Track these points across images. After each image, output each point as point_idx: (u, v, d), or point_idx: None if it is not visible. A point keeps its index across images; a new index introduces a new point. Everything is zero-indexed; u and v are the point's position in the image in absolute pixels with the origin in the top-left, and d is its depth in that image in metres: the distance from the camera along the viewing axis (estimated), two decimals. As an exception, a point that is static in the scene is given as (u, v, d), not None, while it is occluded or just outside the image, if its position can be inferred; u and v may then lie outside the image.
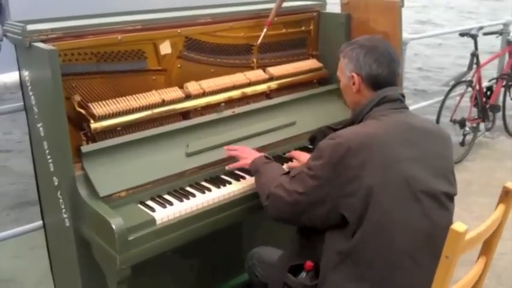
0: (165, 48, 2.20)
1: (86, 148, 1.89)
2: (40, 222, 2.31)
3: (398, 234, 1.56)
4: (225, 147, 2.16)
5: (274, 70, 2.55)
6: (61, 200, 1.95)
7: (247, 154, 2.08)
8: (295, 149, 2.38)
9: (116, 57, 2.07)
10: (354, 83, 1.78)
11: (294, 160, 2.24)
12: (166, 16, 2.20)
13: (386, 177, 1.56)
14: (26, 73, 1.94)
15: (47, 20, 2.03)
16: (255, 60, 2.57)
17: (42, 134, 1.95)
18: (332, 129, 1.88)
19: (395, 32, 2.43)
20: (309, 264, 1.74)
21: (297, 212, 1.67)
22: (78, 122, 1.97)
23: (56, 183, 1.94)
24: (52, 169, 1.95)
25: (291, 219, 1.73)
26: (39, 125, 1.95)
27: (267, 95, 2.55)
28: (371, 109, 1.74)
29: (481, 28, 4.52)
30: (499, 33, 4.86)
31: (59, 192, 1.95)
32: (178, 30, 2.21)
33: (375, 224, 1.55)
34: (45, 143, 1.95)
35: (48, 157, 1.95)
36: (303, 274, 1.75)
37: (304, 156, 2.18)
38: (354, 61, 1.77)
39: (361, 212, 1.55)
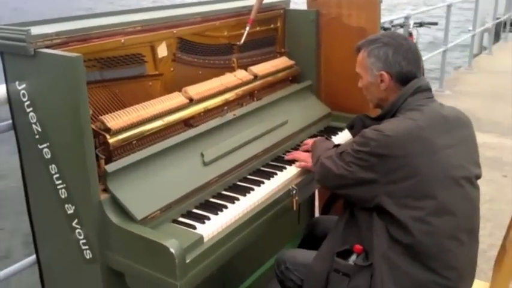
0: (162, 50, 2.01)
1: (110, 167, 1.65)
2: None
3: (447, 220, 1.67)
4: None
5: (257, 69, 2.47)
6: (78, 230, 1.68)
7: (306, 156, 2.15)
8: (291, 149, 2.35)
9: (118, 63, 1.84)
10: (382, 81, 1.80)
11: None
12: (163, 16, 2.01)
13: (432, 166, 1.65)
14: (21, 86, 1.63)
15: (34, 22, 1.74)
16: (235, 60, 2.46)
17: (47, 157, 1.66)
18: (369, 117, 1.89)
19: (374, 28, 2.48)
20: (358, 247, 1.76)
21: (340, 184, 1.77)
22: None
23: (71, 211, 1.68)
24: (64, 196, 1.67)
25: (333, 187, 1.87)
26: (42, 147, 1.66)
27: (251, 94, 2.45)
28: (405, 100, 1.76)
29: (391, 22, 4.83)
30: (401, 25, 5.24)
31: (75, 222, 1.68)
32: (174, 31, 2.04)
33: (424, 211, 1.63)
34: (53, 166, 1.66)
35: (58, 182, 1.67)
36: (353, 257, 1.77)
37: (305, 156, 2.16)
38: (383, 60, 1.79)
39: (406, 198, 1.63)
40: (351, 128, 2.00)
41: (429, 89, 1.81)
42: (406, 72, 1.78)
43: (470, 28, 8.23)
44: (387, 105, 1.82)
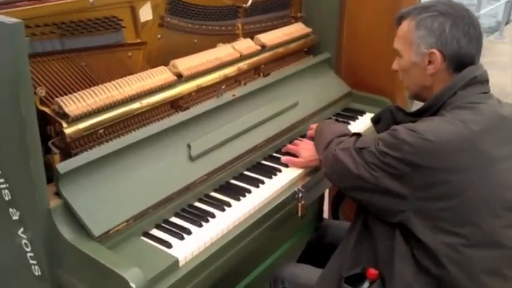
0: (146, 13, 1.61)
1: (63, 166, 1.29)
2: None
3: (489, 252, 1.30)
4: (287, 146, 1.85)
5: (265, 38, 2.06)
6: (25, 241, 1.34)
7: (310, 151, 1.74)
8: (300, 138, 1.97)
9: (85, 29, 1.46)
10: (430, 62, 1.37)
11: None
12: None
13: (483, 185, 1.27)
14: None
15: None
16: (240, 25, 2.05)
17: (-14, 148, 1.30)
18: (402, 111, 1.47)
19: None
20: (372, 272, 1.40)
21: (357, 186, 1.39)
22: (40, 127, 1.36)
23: (16, 218, 1.33)
24: (8, 198, 1.32)
25: (346, 189, 1.48)
26: (-20, 135, 1.30)
27: (257, 69, 2.05)
28: (455, 93, 1.35)
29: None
30: None
31: (20, 230, 1.34)
32: (162, -12, 1.63)
33: (462, 239, 1.27)
34: (-7, 160, 1.31)
35: (1, 181, 1.32)
36: (366, 284, 1.41)
37: (307, 151, 1.77)
38: (437, 33, 1.34)
39: (441, 220, 1.27)
40: (376, 122, 1.58)
41: (486, 81, 1.38)
42: (464, 53, 1.35)
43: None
44: (431, 97, 1.40)
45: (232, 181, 1.67)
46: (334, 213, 2.29)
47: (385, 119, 1.52)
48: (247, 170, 1.73)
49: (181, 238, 1.38)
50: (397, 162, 1.28)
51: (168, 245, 1.34)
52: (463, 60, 1.35)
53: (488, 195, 1.26)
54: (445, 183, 1.25)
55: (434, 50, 1.35)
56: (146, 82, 1.55)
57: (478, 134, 1.26)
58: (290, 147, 1.83)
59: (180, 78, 1.67)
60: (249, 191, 1.60)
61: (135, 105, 1.51)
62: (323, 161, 1.54)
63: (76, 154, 1.38)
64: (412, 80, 1.45)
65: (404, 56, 1.43)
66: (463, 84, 1.34)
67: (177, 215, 1.48)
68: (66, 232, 1.27)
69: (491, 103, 1.35)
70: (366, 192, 1.36)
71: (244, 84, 1.92)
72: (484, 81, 1.37)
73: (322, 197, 2.59)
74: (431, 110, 1.38)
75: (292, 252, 2.18)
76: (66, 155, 1.38)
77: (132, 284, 1.14)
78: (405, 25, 1.41)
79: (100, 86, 1.45)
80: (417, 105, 1.49)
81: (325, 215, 2.69)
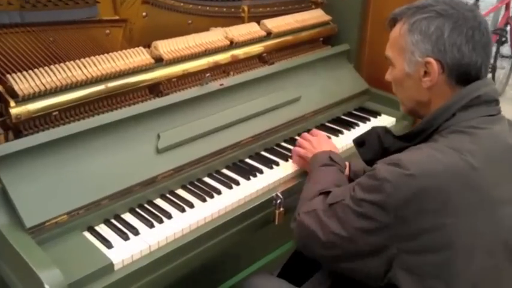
0: (126, -12, 1.49)
1: (3, 148, 1.20)
2: None
3: None
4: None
5: (272, 24, 1.89)
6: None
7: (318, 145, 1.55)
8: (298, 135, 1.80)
9: (50, 1, 1.35)
10: (426, 73, 1.16)
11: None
12: None
13: (478, 230, 1.05)
14: None
15: None
16: (246, 8, 1.89)
17: None
18: (391, 133, 1.27)
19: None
20: None
21: (332, 255, 1.17)
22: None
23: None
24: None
25: (320, 259, 1.25)
26: None
27: (261, 57, 1.89)
28: (453, 114, 1.13)
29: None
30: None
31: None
32: (147, -39, 1.50)
33: None
34: None
35: None
36: None
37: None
38: (433, 39, 1.13)
39: (434, 278, 1.05)
40: (360, 145, 1.36)
41: (495, 101, 1.16)
42: (467, 63, 1.13)
43: None
44: (426, 116, 1.18)
45: (205, 178, 1.54)
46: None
47: (371, 143, 1.30)
48: (226, 167, 1.60)
49: (126, 238, 1.26)
50: (376, 208, 1.05)
51: (109, 245, 1.24)
52: (466, 71, 1.13)
53: (490, 243, 1.05)
54: (433, 230, 1.02)
55: (431, 59, 1.14)
56: (117, 63, 1.44)
57: (477, 170, 1.04)
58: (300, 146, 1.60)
59: (161, 61, 1.54)
60: (219, 192, 1.46)
61: (99, 88, 1.40)
62: (293, 230, 1.27)
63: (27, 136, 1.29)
64: (406, 93, 1.24)
65: (396, 65, 1.22)
66: (464, 104, 1.12)
67: (131, 211, 1.37)
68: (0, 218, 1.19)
69: (497, 129, 1.12)
70: (341, 261, 1.16)
71: (239, 73, 1.77)
72: (491, 101, 1.14)
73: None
74: (425, 133, 1.17)
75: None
76: (18, 136, 1.30)
77: (46, 285, 1.05)
78: (397, 29, 1.20)
79: (61, 64, 1.35)
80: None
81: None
